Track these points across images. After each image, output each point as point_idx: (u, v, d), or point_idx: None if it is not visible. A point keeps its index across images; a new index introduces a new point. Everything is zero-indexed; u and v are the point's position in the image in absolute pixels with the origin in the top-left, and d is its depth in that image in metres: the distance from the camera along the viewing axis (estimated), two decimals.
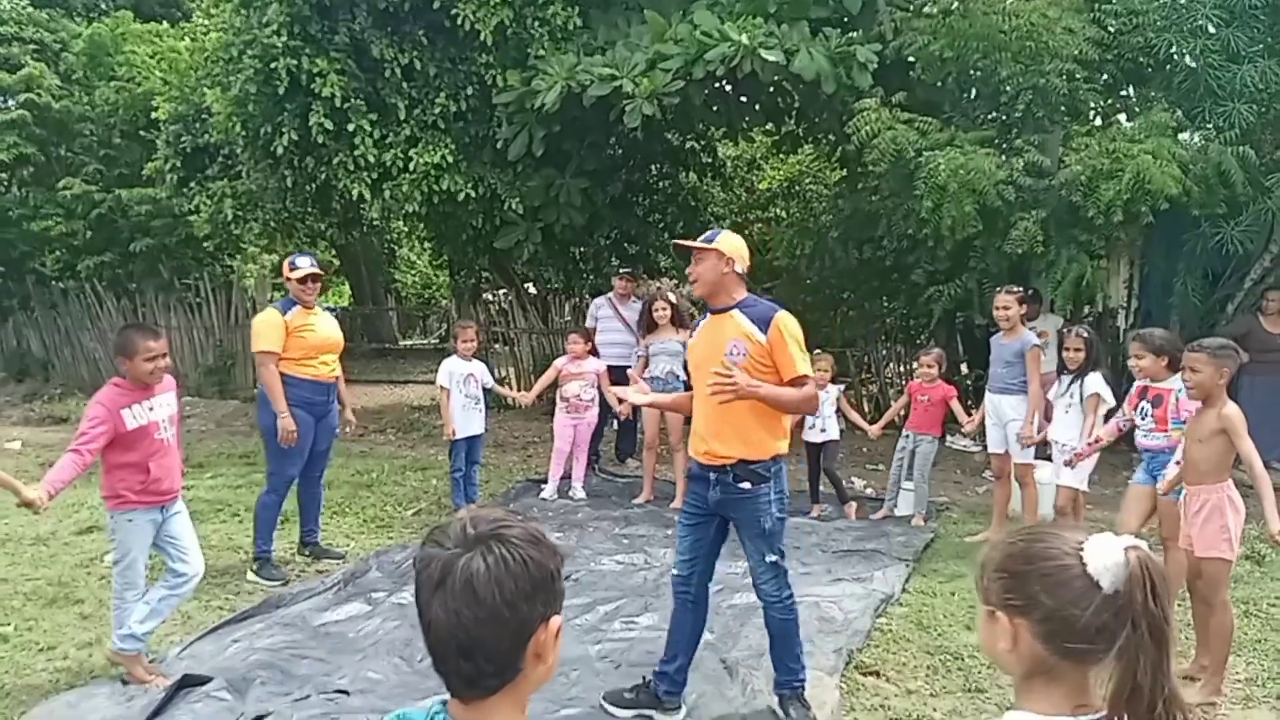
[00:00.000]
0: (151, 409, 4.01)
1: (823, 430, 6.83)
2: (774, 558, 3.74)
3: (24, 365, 14.43)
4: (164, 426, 4.06)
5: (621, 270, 8.98)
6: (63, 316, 14.01)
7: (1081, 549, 1.30)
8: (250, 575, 5.41)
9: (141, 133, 12.75)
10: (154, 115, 11.41)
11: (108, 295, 13.55)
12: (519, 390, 9.48)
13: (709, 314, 3.80)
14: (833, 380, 6.97)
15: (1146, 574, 1.27)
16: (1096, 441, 5.21)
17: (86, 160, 13.50)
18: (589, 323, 8.65)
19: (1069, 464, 5.33)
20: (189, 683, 3.94)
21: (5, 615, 4.79)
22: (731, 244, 3.72)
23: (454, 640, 1.21)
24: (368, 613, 4.87)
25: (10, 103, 13.06)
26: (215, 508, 6.80)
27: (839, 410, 6.90)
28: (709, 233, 3.83)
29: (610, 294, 8.68)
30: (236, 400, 12.01)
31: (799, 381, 3.59)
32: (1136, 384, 4.82)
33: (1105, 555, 1.28)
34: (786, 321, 3.61)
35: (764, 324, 3.59)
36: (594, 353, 7.70)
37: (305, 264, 5.56)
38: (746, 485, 3.64)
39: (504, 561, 1.22)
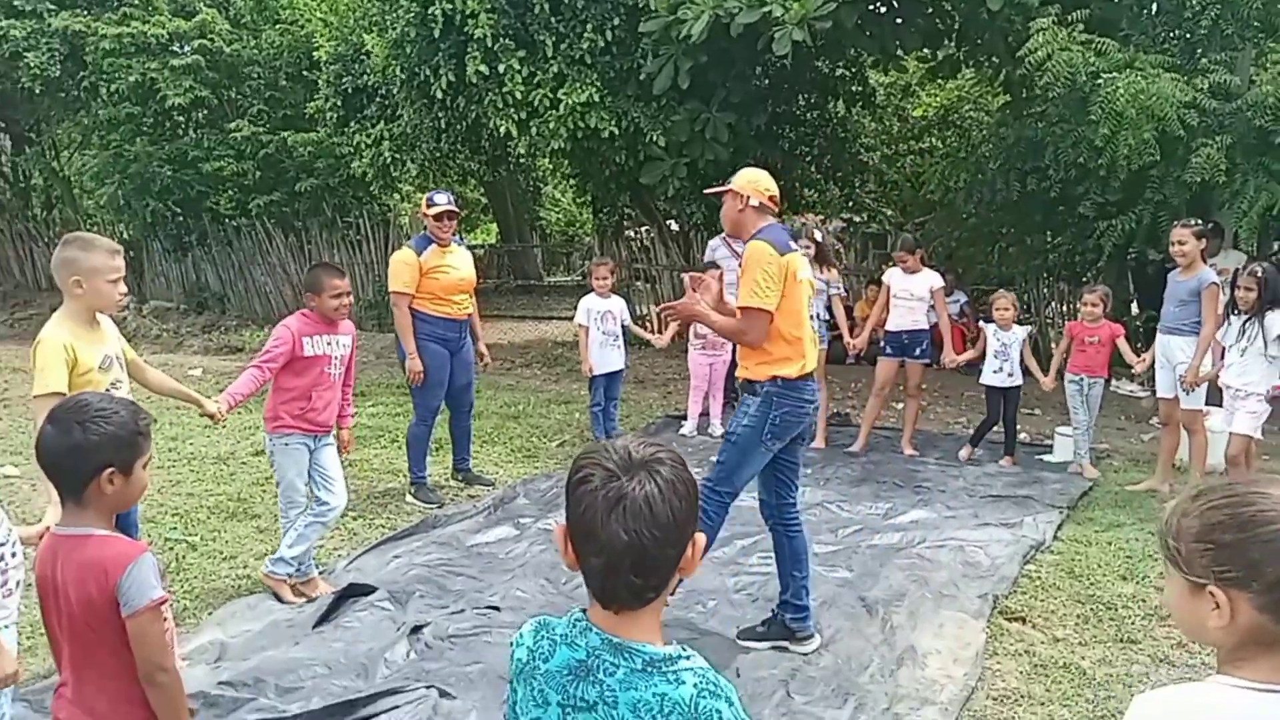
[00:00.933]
0: (329, 344, 4.25)
1: (1010, 375, 6.53)
2: (720, 459, 3.81)
3: (202, 298, 15.50)
4: (335, 363, 4.27)
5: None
6: (236, 252, 14.91)
7: None
8: (408, 497, 5.72)
9: (305, 74, 13.29)
10: (315, 56, 11.87)
11: (276, 232, 14.32)
12: (657, 330, 9.51)
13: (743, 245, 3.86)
14: (1019, 321, 6.63)
15: None
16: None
17: (254, 102, 14.20)
18: (706, 259, 8.51)
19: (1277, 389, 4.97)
20: (354, 592, 4.23)
21: (192, 526, 5.24)
22: (746, 181, 3.82)
23: (630, 557, 1.29)
24: (516, 536, 5.08)
25: (186, 48, 13.83)
26: (376, 434, 7.18)
27: (1021, 356, 6.56)
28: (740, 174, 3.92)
29: (724, 234, 8.47)
30: (394, 334, 12.55)
31: (741, 311, 3.70)
32: None
33: None
34: (752, 250, 3.67)
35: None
36: None
37: (442, 201, 5.63)
38: (745, 397, 3.79)
39: (671, 484, 1.32)
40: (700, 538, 1.37)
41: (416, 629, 3.86)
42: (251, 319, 14.34)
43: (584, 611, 1.38)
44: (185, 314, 15.06)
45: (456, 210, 5.76)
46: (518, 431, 7.47)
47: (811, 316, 6.78)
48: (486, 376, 6.47)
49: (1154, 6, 7.62)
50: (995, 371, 6.56)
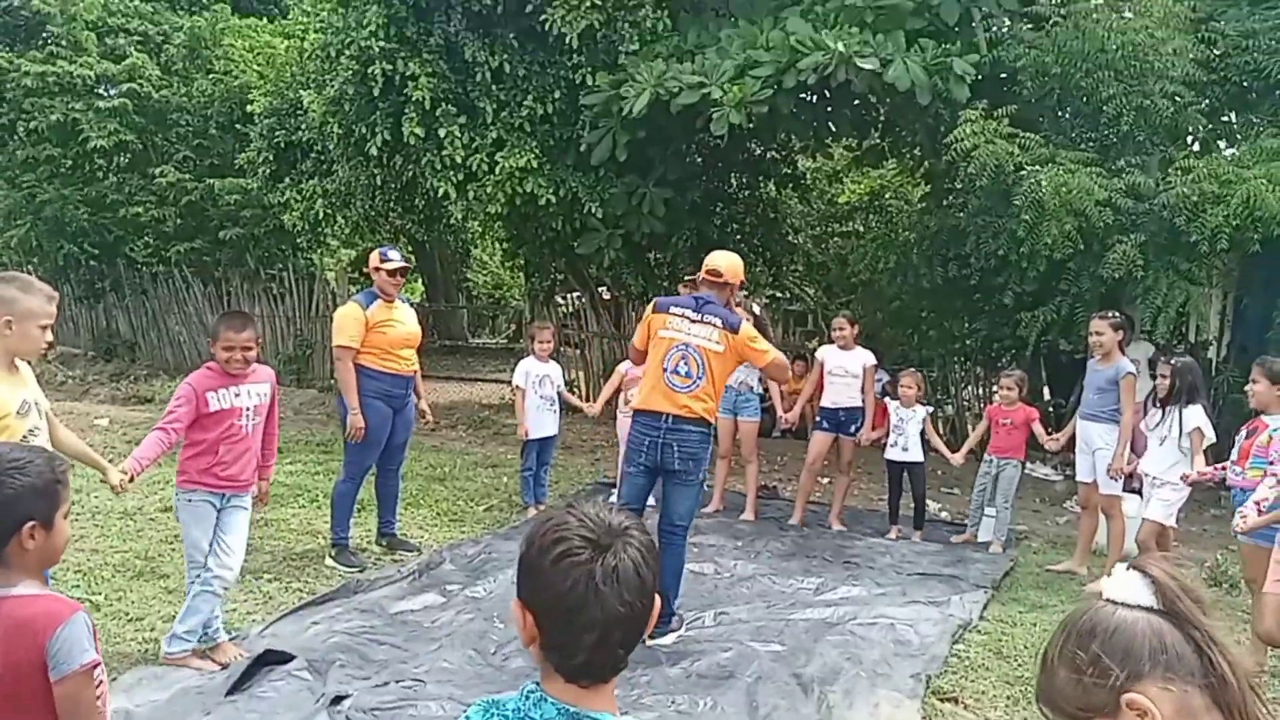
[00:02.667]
0: (238, 395, 4.08)
1: (904, 450, 6.69)
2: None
3: (112, 346, 14.94)
4: (247, 415, 4.09)
5: (686, 277, 8.91)
6: (151, 300, 14.47)
7: (1107, 600, 1.24)
8: (328, 560, 5.50)
9: (236, 125, 13.12)
10: (249, 109, 11.73)
11: (195, 281, 13.96)
12: (586, 399, 9.45)
13: None
14: (919, 401, 6.83)
15: (1161, 568, 1.23)
16: (1199, 476, 5.03)
17: (180, 149, 13.94)
18: None
19: (1185, 480, 5.12)
20: (270, 659, 4.01)
21: (96, 585, 4.93)
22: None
23: (621, 630, 1.26)
24: (442, 604, 4.91)
25: (113, 91, 13.55)
26: (294, 492, 6.93)
27: (923, 433, 6.74)
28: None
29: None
30: (314, 389, 12.27)
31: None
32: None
33: (1125, 584, 1.23)
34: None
35: None
36: None
37: (396, 257, 5.64)
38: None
39: (649, 547, 1.31)
40: (657, 600, 1.34)
41: (337, 700, 3.67)
42: (163, 368, 13.85)
43: (536, 684, 1.31)
44: (93, 361, 14.51)
45: (409, 266, 5.73)
46: (444, 494, 7.29)
47: (736, 386, 6.89)
48: (412, 437, 6.34)
49: (1070, 110, 8.07)
50: (892, 445, 6.73)
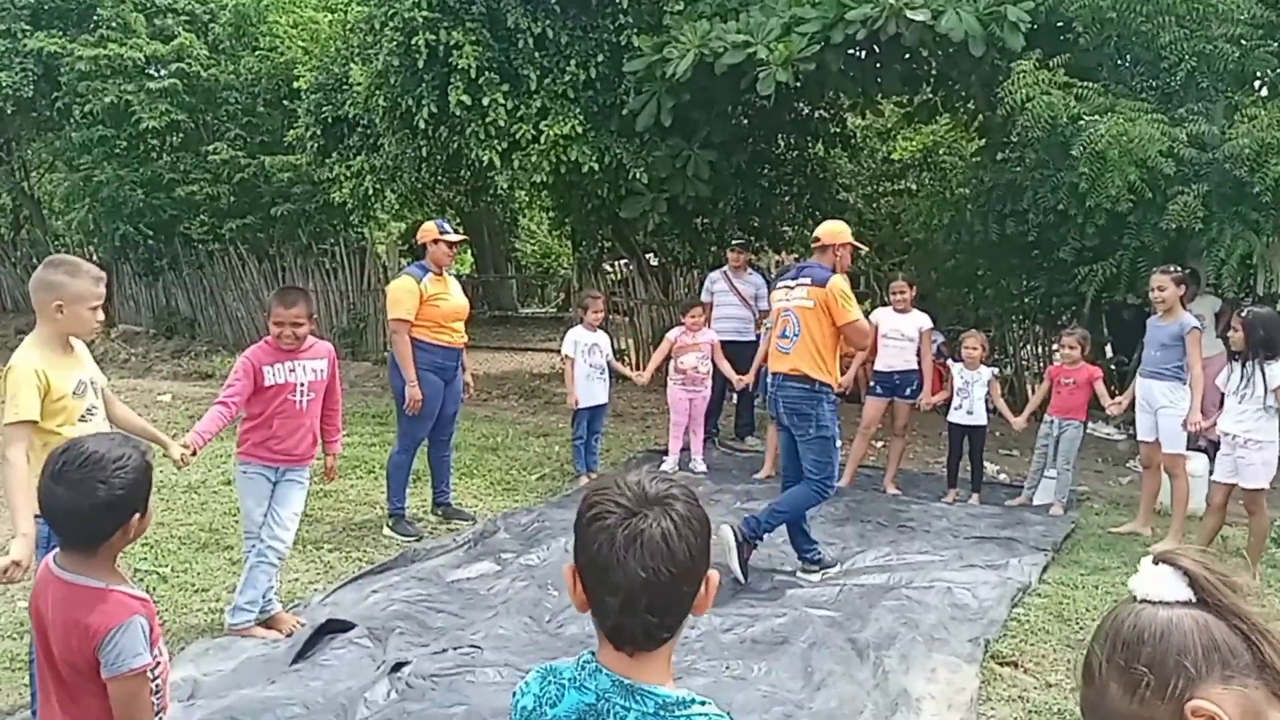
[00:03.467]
0: (293, 370, 4.13)
1: (969, 413, 6.57)
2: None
3: (172, 323, 15.27)
4: (301, 390, 4.14)
5: (734, 242, 8.81)
6: (208, 277, 14.73)
7: (1139, 599, 1.16)
8: (386, 530, 5.60)
9: (284, 102, 13.22)
10: (295, 85, 11.82)
11: (250, 258, 14.17)
12: (636, 367, 9.39)
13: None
14: (985, 362, 6.69)
15: (1188, 555, 1.17)
16: None
17: (230, 127, 14.11)
18: (704, 297, 8.56)
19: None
20: (331, 628, 4.10)
21: (163, 558, 5.08)
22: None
23: (646, 595, 1.25)
24: (497, 572, 4.97)
25: (163, 72, 13.73)
26: (351, 464, 7.04)
27: (987, 395, 6.61)
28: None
29: (725, 267, 8.55)
30: (368, 362, 12.44)
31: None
32: None
33: (1154, 579, 1.16)
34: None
35: None
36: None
37: (452, 230, 5.73)
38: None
39: (687, 521, 1.29)
40: (714, 575, 1.34)
41: (397, 667, 3.73)
42: (222, 344, 14.12)
43: (592, 654, 1.33)
44: (154, 338, 14.83)
45: (467, 238, 5.78)
46: (497, 464, 7.36)
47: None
48: (464, 408, 6.40)
49: (1130, 57, 7.76)
50: (956, 409, 6.61)
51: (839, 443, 5.04)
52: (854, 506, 6.43)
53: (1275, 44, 7.58)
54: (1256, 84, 8.40)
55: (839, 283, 4.89)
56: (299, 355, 4.16)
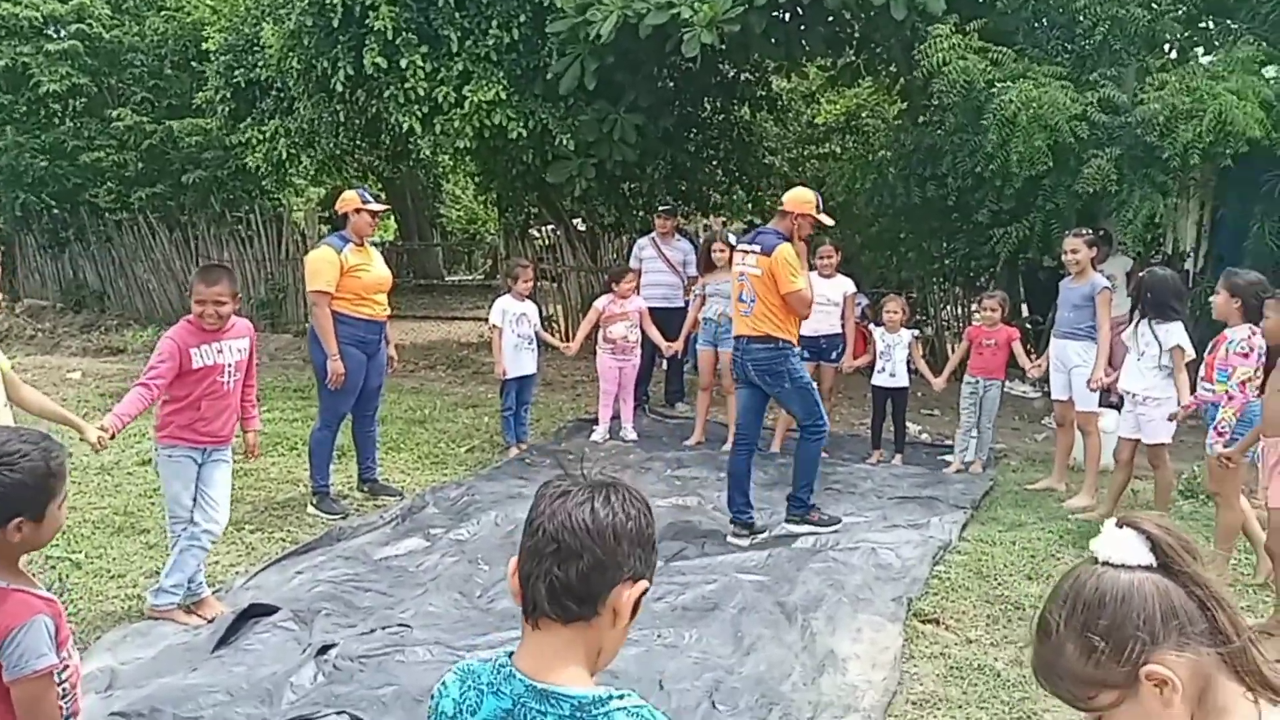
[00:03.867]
0: (220, 351, 4.02)
1: (891, 375, 6.69)
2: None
3: (80, 297, 14.68)
4: (229, 370, 4.05)
5: (661, 209, 8.78)
6: (116, 248, 14.18)
7: (1101, 562, 1.19)
8: (310, 509, 5.49)
9: (193, 64, 12.70)
10: (204, 46, 11.35)
11: (160, 227, 13.67)
12: (564, 334, 9.28)
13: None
14: (905, 325, 6.80)
15: (1152, 520, 1.20)
16: (1185, 410, 4.91)
17: (136, 91, 13.52)
18: (632, 264, 8.54)
19: (1172, 418, 5.01)
20: (255, 612, 4.02)
21: (76, 543, 4.90)
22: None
23: (558, 542, 1.26)
24: (426, 548, 4.92)
25: (62, 33, 13.06)
26: (273, 441, 6.87)
27: (908, 357, 6.73)
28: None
29: (653, 234, 8.52)
30: (288, 334, 12.14)
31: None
32: None
33: (1118, 542, 1.19)
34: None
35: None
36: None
37: (373, 199, 5.59)
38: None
39: (626, 503, 1.30)
40: (642, 585, 1.29)
41: (324, 650, 3.68)
42: (134, 318, 13.65)
43: (509, 655, 1.31)
44: (62, 313, 14.26)
45: (389, 207, 5.64)
46: (424, 437, 7.27)
47: (715, 317, 6.89)
48: (390, 380, 6.29)
49: (1046, 20, 7.90)
50: (879, 372, 6.73)
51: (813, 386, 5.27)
52: (783, 471, 6.49)
53: (1183, 9, 7.80)
54: (1166, 48, 8.65)
55: (785, 252, 4.92)
56: (224, 335, 4.04)
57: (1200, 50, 8.97)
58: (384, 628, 3.91)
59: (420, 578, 4.53)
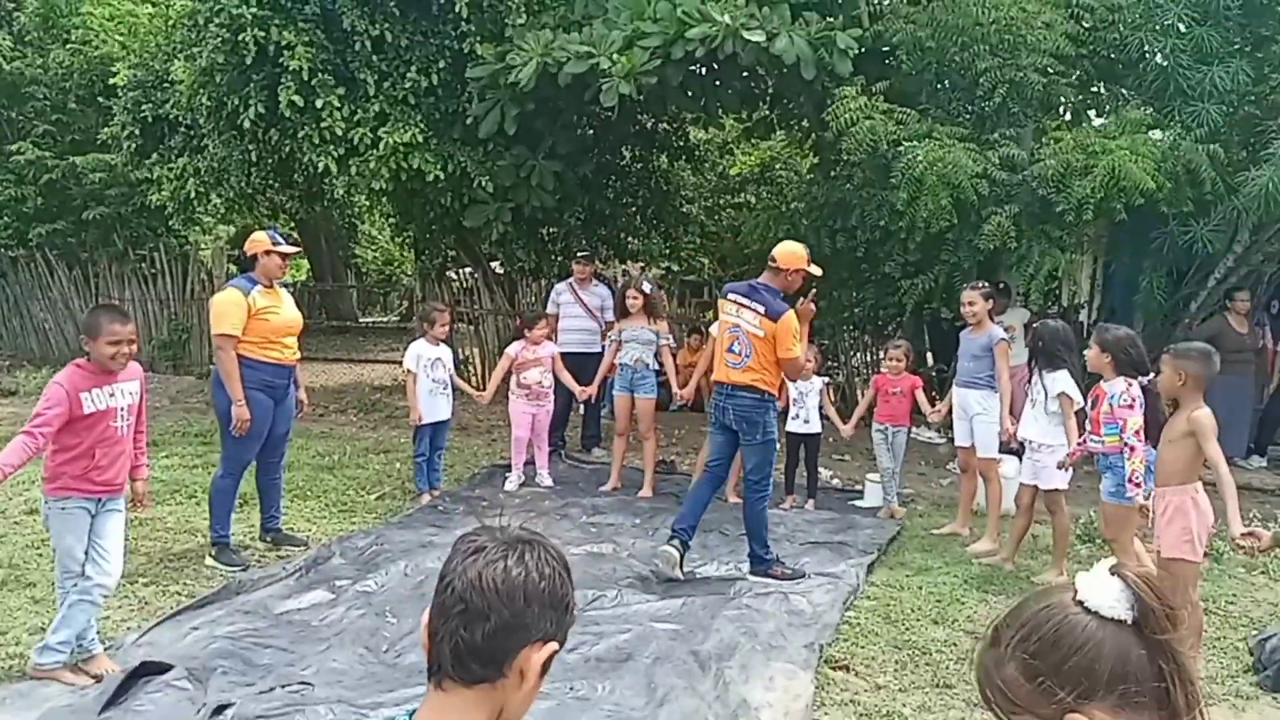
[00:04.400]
0: (113, 395, 3.87)
1: (805, 421, 6.79)
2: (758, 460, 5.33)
3: None
4: (121, 415, 3.91)
5: (579, 254, 8.83)
6: (11, 286, 13.60)
7: (1080, 601, 1.18)
8: (208, 560, 5.28)
9: (99, 99, 12.35)
10: (112, 81, 11.06)
11: (59, 265, 13.17)
12: (480, 379, 9.14)
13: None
14: (817, 372, 6.93)
15: (1145, 579, 1.17)
16: (1073, 457, 5.11)
17: (38, 124, 13.08)
18: (550, 309, 8.55)
19: (1061, 466, 5.18)
20: (146, 671, 3.82)
21: None
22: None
23: (465, 602, 1.23)
24: (331, 600, 4.76)
25: None
26: (171, 489, 6.63)
27: (820, 404, 6.85)
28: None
29: (570, 279, 8.55)
30: (191, 376, 11.75)
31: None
32: None
33: (1104, 589, 1.17)
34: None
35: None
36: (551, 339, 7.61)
37: (283, 240, 5.50)
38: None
39: (540, 562, 1.28)
40: (552, 646, 1.27)
41: (219, 710, 3.52)
42: (27, 358, 13.05)
43: (410, 715, 1.28)
44: None
45: (299, 249, 5.54)
46: (333, 484, 7.08)
47: (632, 363, 6.94)
48: (298, 423, 6.13)
49: (948, 82, 8.25)
50: (793, 418, 6.84)
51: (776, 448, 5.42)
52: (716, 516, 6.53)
53: (1076, 74, 8.26)
54: (1061, 109, 9.13)
55: (791, 320, 5.15)
56: (115, 378, 3.89)
57: (1093, 113, 9.50)
58: (284, 686, 3.76)
59: (324, 632, 4.38)
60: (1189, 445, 3.98)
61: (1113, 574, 1.17)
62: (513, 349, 7.35)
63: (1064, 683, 1.15)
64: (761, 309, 5.15)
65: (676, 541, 5.22)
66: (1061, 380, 5.24)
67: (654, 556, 5.28)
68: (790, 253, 5.32)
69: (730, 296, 5.38)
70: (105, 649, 4.01)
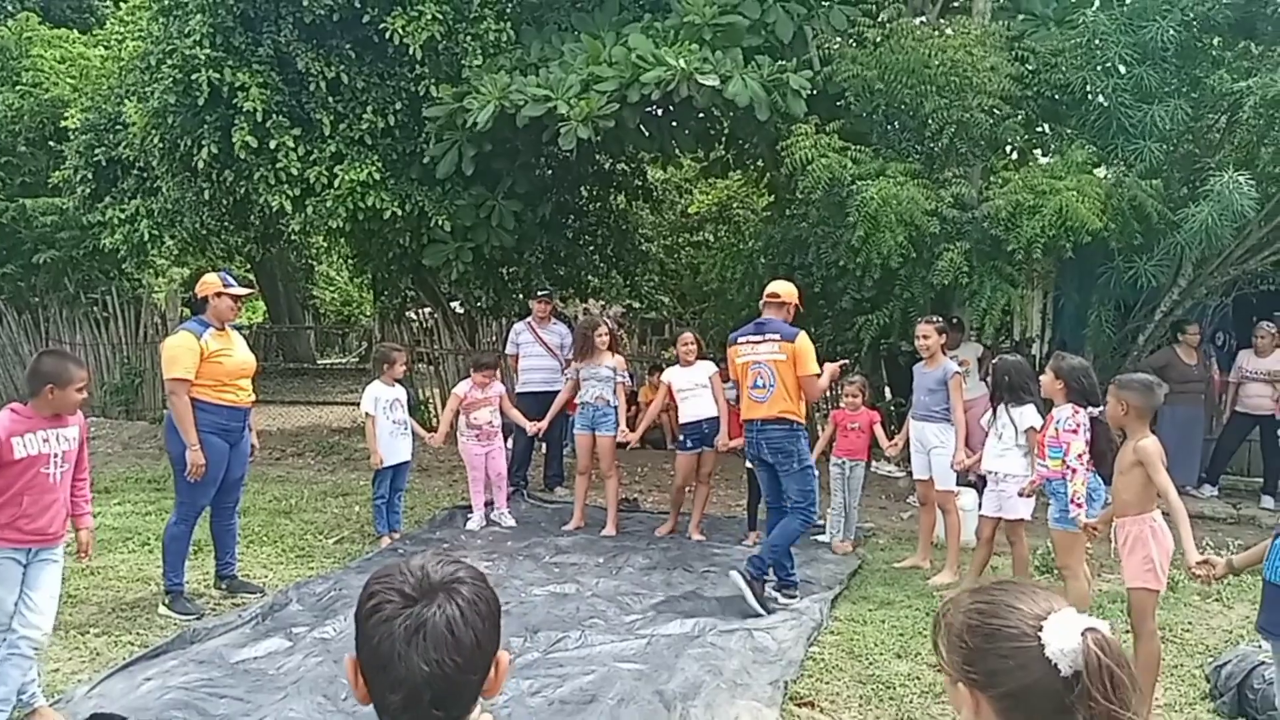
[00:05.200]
0: (46, 440, 3.78)
1: None
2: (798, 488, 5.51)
3: None
4: (55, 461, 3.81)
5: (538, 293, 8.81)
6: None
7: (1041, 628, 1.27)
8: (162, 609, 5.15)
9: (50, 142, 12.21)
10: (63, 124, 10.95)
11: (8, 309, 12.92)
12: (431, 428, 8.89)
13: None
14: None
15: (1100, 662, 1.23)
16: (1032, 486, 5.19)
17: None
18: (509, 349, 8.52)
19: (1022, 494, 5.23)
20: None
21: None
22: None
23: (431, 690, 1.20)
24: (288, 648, 4.66)
25: None
26: (123, 536, 6.48)
27: None
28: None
29: (530, 318, 8.55)
30: (144, 421, 11.53)
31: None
32: None
33: (1063, 638, 1.25)
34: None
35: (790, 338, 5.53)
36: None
37: (236, 283, 5.45)
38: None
39: (474, 604, 1.25)
40: (504, 656, 1.30)
41: None
42: None
43: None
44: None
45: (252, 290, 5.49)
46: (290, 529, 6.96)
47: (593, 401, 6.94)
48: (254, 467, 6.03)
49: (898, 123, 8.44)
50: (751, 457, 6.85)
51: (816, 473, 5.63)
52: (659, 554, 6.52)
53: (1022, 115, 8.50)
54: (1008, 149, 9.37)
55: (806, 339, 5.54)
56: (50, 424, 3.80)
57: (1039, 152, 9.77)
58: None
59: (281, 680, 4.28)
60: (1139, 475, 4.05)
61: (1084, 634, 1.25)
62: (461, 389, 7.26)
63: (973, 664, 1.31)
64: (777, 335, 5.51)
65: (786, 589, 5.50)
66: (1029, 415, 5.35)
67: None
68: (791, 290, 5.83)
69: (740, 341, 5.68)
70: (53, 702, 3.90)
